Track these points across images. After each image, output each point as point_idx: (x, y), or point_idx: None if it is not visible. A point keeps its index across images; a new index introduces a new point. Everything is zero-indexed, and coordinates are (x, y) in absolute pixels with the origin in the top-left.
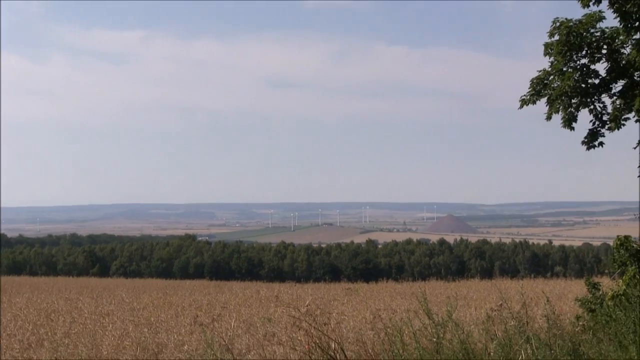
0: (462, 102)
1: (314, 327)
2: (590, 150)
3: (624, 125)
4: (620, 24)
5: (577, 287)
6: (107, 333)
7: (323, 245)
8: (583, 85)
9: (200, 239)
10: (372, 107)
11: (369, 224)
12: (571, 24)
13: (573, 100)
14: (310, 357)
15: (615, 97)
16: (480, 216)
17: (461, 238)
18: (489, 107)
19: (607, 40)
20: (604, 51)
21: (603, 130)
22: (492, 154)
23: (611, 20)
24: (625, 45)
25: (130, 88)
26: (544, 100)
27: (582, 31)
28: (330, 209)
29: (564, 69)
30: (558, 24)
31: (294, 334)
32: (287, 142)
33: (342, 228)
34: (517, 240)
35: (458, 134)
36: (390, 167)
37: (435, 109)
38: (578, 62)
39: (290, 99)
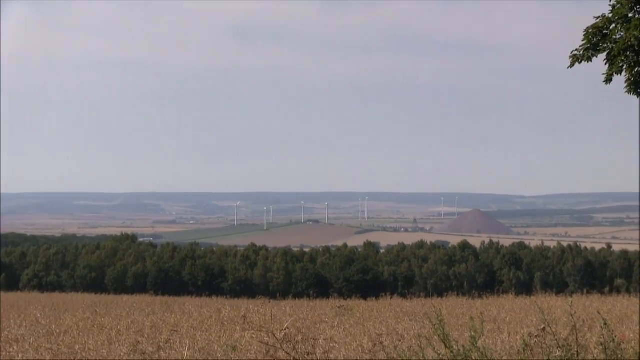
0: (487, 60)
1: (294, 359)
2: None
3: None
4: None
5: None
6: None
7: (306, 250)
8: None
9: (142, 240)
10: (372, 66)
11: (367, 221)
12: None
13: None
14: None
15: None
16: (516, 211)
17: (490, 240)
18: (524, 64)
19: None
20: None
21: None
22: (531, 130)
23: None
24: None
25: (52, 39)
26: (602, 56)
27: None
28: (317, 200)
29: (630, 14)
30: None
31: None
32: (258, 112)
33: (332, 227)
34: (565, 244)
35: (484, 103)
36: (396, 147)
37: (454, 69)
38: None
39: (263, 55)
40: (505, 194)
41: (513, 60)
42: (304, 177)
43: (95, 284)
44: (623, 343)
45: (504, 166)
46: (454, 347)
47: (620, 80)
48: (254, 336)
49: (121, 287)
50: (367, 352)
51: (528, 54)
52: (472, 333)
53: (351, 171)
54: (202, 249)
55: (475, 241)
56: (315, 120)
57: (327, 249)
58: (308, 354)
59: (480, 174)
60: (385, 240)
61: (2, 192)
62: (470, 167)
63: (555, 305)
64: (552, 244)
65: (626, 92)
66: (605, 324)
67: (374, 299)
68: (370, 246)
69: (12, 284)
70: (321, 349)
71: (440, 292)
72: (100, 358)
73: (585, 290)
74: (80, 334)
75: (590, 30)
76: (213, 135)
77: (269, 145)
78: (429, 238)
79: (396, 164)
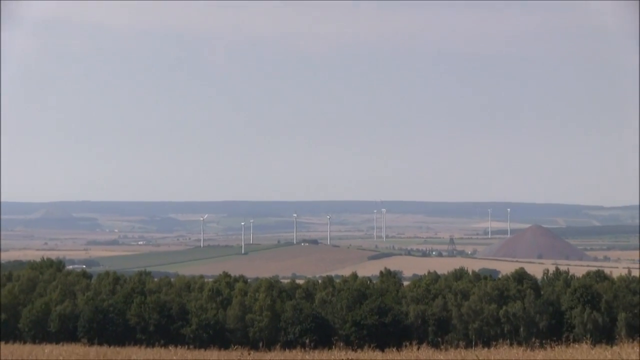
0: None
1: None
2: None
3: None
4: None
5: None
6: None
7: (300, 281)
8: None
9: (71, 268)
10: (385, 29)
11: (385, 241)
12: None
13: None
14: None
15: None
16: (592, 228)
17: (557, 269)
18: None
19: None
20: None
21: None
22: (612, 124)
23: None
24: None
25: None
26: None
27: None
28: (314, 212)
29: None
30: None
31: None
32: (232, 89)
33: (336, 249)
34: None
35: (538, 80)
36: (427, 141)
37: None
38: None
39: (234, 15)
40: (577, 203)
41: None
42: (297, 180)
43: (6, 330)
44: None
45: (574, 169)
46: None
47: None
48: None
49: (41, 333)
50: None
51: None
52: None
53: (363, 172)
54: (156, 280)
55: (536, 269)
56: (312, 104)
57: (329, 281)
58: None
59: (541, 178)
60: (411, 268)
61: None
62: (528, 169)
63: None
64: None
65: None
66: None
67: (394, 350)
68: (390, 277)
69: None
70: None
71: (486, 340)
72: None
73: None
74: None
75: None
76: (168, 125)
77: (247, 138)
78: (471, 265)
79: (426, 163)
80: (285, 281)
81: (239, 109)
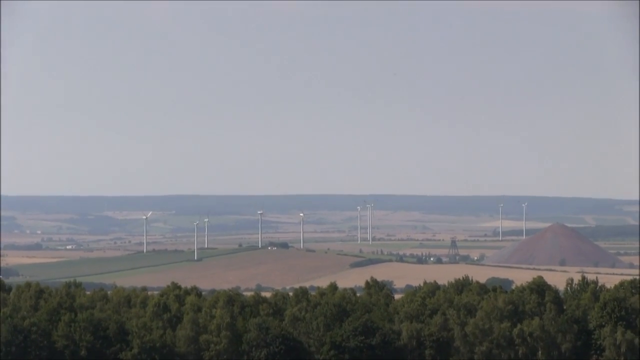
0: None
1: None
2: None
3: None
4: None
5: None
6: None
7: (267, 294)
8: None
9: None
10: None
11: (372, 244)
12: None
13: None
14: None
15: None
16: (627, 227)
17: (583, 278)
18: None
19: None
20: None
21: None
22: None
23: None
24: None
25: None
26: None
27: None
28: (284, 208)
29: None
30: None
31: None
32: (179, 64)
33: (311, 254)
34: None
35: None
36: (419, 118)
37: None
38: None
39: None
40: (609, 197)
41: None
42: (262, 169)
43: None
44: None
45: (605, 156)
46: None
47: None
48: None
49: None
50: None
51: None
52: None
53: (344, 159)
54: (88, 293)
55: (558, 279)
56: (277, 77)
57: (302, 293)
58: None
59: (565, 166)
60: (403, 277)
61: None
62: (549, 155)
63: None
64: None
65: None
66: None
67: None
68: (378, 288)
69: None
70: None
71: None
72: None
73: None
74: None
75: None
76: (102, 104)
77: (197, 118)
78: (478, 273)
79: (422, 148)
80: (249, 294)
81: (188, 88)
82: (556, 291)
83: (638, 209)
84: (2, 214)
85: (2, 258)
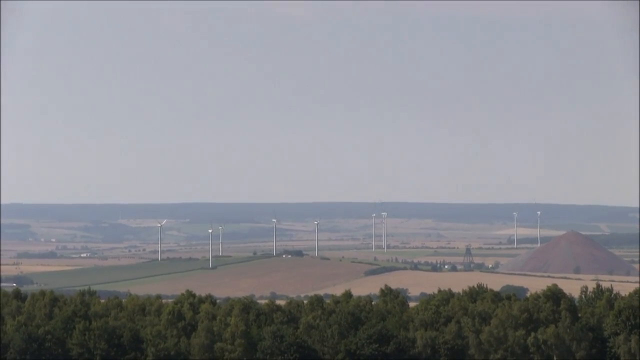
0: None
1: None
2: None
3: None
4: None
5: None
6: None
7: (281, 302)
8: None
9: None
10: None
11: (387, 252)
12: None
13: None
14: None
15: None
16: None
17: (598, 285)
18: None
19: None
20: None
21: None
22: None
23: None
24: None
25: None
26: None
27: None
28: (298, 216)
29: None
30: None
31: None
32: (191, 74)
33: (325, 262)
34: None
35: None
36: (432, 126)
37: None
38: None
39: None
40: (624, 205)
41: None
42: (277, 177)
43: None
44: None
45: (619, 163)
46: None
47: None
48: None
49: None
50: None
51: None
52: None
53: (359, 167)
54: (102, 301)
55: (572, 287)
56: (295, 87)
57: (317, 301)
58: None
59: (579, 174)
60: (418, 285)
61: None
62: (562, 162)
63: None
64: None
65: None
66: None
67: None
68: (392, 296)
69: None
70: None
71: None
72: None
73: None
74: None
75: None
76: (116, 113)
77: (211, 126)
78: (493, 281)
79: (436, 156)
80: (263, 302)
81: (202, 94)
82: (571, 299)
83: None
84: (17, 222)
85: (16, 266)
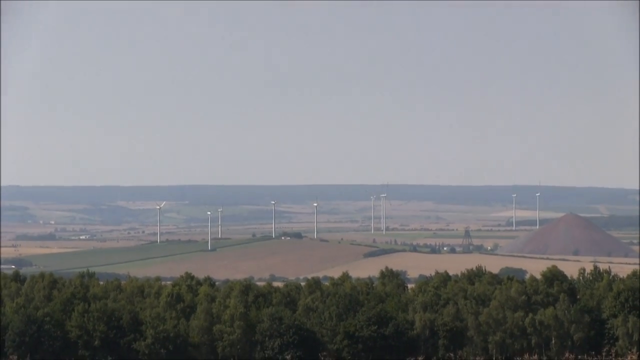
0: None
1: None
2: None
3: None
4: None
5: None
6: None
7: (280, 284)
8: None
9: None
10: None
11: (386, 234)
12: None
13: None
14: None
15: None
16: (639, 217)
17: (595, 267)
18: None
19: None
20: None
21: None
22: None
23: None
24: None
25: None
26: None
27: None
28: (297, 198)
29: None
30: None
31: None
32: (190, 53)
33: (324, 244)
34: None
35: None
36: (431, 107)
37: None
38: None
39: None
40: (622, 187)
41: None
42: (276, 159)
43: None
44: None
45: (618, 145)
46: None
47: None
48: None
49: None
50: None
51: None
52: None
53: (358, 149)
54: (101, 283)
55: (571, 268)
56: (294, 68)
57: (315, 284)
58: None
59: (578, 156)
60: (417, 267)
61: None
62: (561, 144)
63: None
64: None
65: None
66: None
67: None
68: (391, 278)
69: None
70: None
71: (510, 356)
72: None
73: None
74: None
75: None
76: (114, 94)
77: (210, 108)
78: (491, 264)
79: (435, 138)
80: (262, 284)
81: (200, 75)
82: (569, 281)
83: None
84: (16, 204)
85: (15, 248)
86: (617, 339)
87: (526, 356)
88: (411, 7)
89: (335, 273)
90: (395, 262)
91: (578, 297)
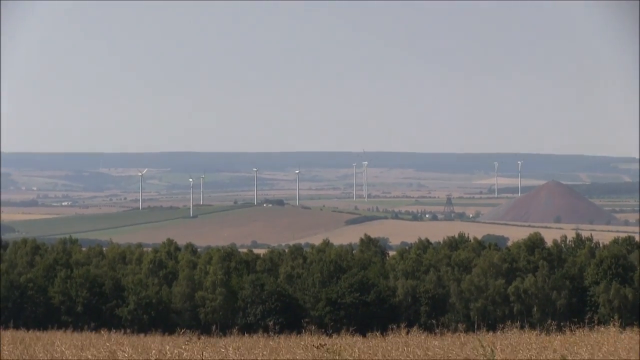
0: None
1: None
2: None
3: None
4: None
5: None
6: None
7: (262, 251)
8: None
9: None
10: None
11: (367, 201)
12: None
13: None
14: None
15: None
16: (622, 185)
17: (578, 235)
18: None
19: None
20: None
21: None
22: None
23: None
24: None
25: None
26: None
27: None
28: (279, 166)
29: None
30: None
31: None
32: (171, 25)
33: (306, 212)
34: None
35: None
36: (413, 74)
37: None
38: None
39: None
40: (604, 155)
41: None
42: (258, 127)
43: None
44: None
45: (600, 113)
46: None
47: None
48: None
49: None
50: None
51: None
52: None
53: (338, 116)
54: (84, 249)
55: (552, 236)
56: (277, 35)
57: (297, 250)
58: None
59: (560, 124)
60: (399, 234)
61: None
62: (543, 112)
63: None
64: None
65: None
66: None
67: (378, 334)
68: (373, 245)
69: None
70: None
71: (492, 322)
72: None
73: None
74: None
75: None
76: (96, 62)
77: (192, 76)
78: (473, 231)
79: (416, 105)
80: (244, 251)
81: (183, 43)
82: (551, 249)
83: (635, 167)
84: None
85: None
86: (598, 306)
87: (509, 323)
88: None
89: (317, 240)
90: (377, 229)
91: (561, 265)
